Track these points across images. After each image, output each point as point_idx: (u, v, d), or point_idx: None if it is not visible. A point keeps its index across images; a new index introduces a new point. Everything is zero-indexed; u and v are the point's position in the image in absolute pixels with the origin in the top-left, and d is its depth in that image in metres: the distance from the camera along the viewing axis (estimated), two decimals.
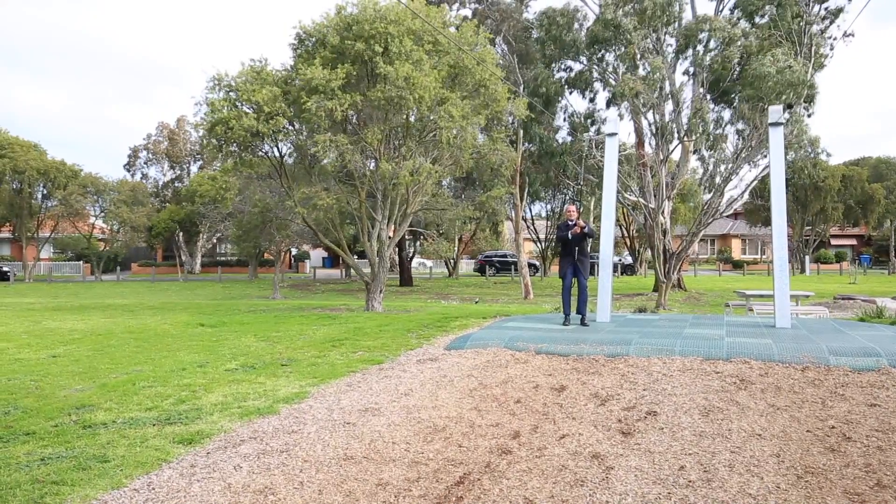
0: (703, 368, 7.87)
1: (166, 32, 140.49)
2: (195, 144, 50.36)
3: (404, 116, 14.51)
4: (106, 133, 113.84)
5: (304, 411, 6.73)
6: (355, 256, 50.77)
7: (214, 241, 50.96)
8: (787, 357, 8.05)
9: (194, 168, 50.75)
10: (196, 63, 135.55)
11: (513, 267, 43.66)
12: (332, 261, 65.90)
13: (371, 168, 15.35)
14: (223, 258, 54.51)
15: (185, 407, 7.08)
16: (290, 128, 15.30)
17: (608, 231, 12.02)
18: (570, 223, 10.87)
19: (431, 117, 14.21)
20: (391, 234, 17.26)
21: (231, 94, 14.82)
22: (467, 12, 29.17)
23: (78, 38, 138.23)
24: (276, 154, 16.22)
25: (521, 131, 24.69)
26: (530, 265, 45.85)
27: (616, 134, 12.62)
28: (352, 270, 44.52)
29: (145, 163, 51.68)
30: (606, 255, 11.99)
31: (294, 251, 54.71)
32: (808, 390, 6.94)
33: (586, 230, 10.73)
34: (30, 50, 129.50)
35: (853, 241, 67.35)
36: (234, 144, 14.90)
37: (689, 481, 4.69)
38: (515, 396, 7.09)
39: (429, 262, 59.21)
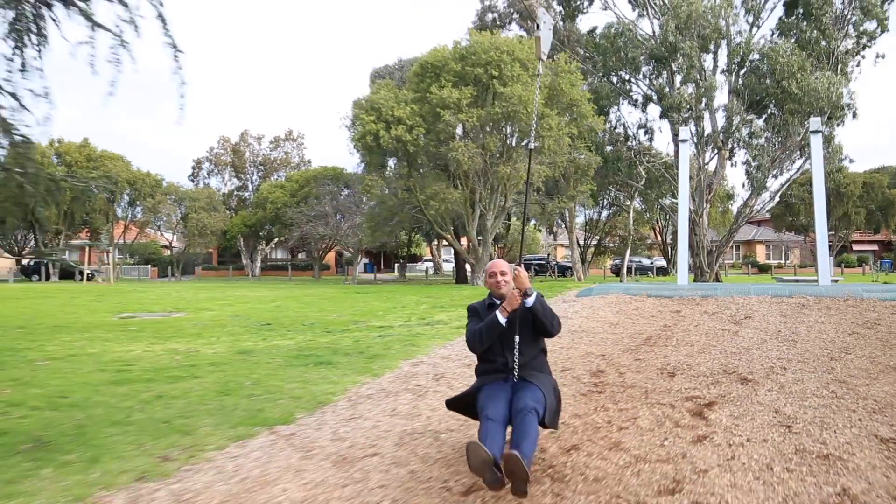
0: (774, 300, 11.25)
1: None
2: (257, 156, 54.49)
3: (515, 128, 18.11)
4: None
5: None
6: (400, 261, 54.30)
7: (273, 245, 54.78)
8: (833, 294, 11.40)
9: (256, 178, 54.71)
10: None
11: (554, 268, 46.67)
12: (372, 266, 69.42)
13: (480, 167, 18.89)
14: (277, 262, 58.40)
15: (428, 320, 10.57)
16: (425, 138, 18.96)
17: (684, 219, 15.43)
18: (495, 301, 4.01)
19: (534, 128, 17.74)
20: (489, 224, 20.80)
21: (372, 109, 18.47)
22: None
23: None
24: (407, 158, 19.84)
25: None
26: (565, 268, 48.48)
27: (687, 140, 16.07)
28: (406, 272, 47.87)
29: (208, 174, 55.84)
30: (684, 232, 15.41)
31: (345, 255, 58.11)
32: (849, 309, 10.30)
33: (530, 299, 3.81)
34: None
35: (875, 247, 69.79)
36: (379, 151, 18.54)
37: (785, 335, 8.10)
38: (649, 314, 10.51)
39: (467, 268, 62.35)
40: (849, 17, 25.29)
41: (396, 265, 55.31)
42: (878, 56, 27.81)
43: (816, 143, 14.76)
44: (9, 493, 3.47)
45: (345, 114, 18.26)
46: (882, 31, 27.36)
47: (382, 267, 66.49)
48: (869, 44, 26.56)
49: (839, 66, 26.73)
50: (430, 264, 50.31)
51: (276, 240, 53.19)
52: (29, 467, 3.86)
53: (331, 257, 57.32)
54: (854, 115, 26.33)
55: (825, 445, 4.12)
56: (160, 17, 4.93)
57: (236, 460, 4.04)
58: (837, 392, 5.45)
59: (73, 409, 5.27)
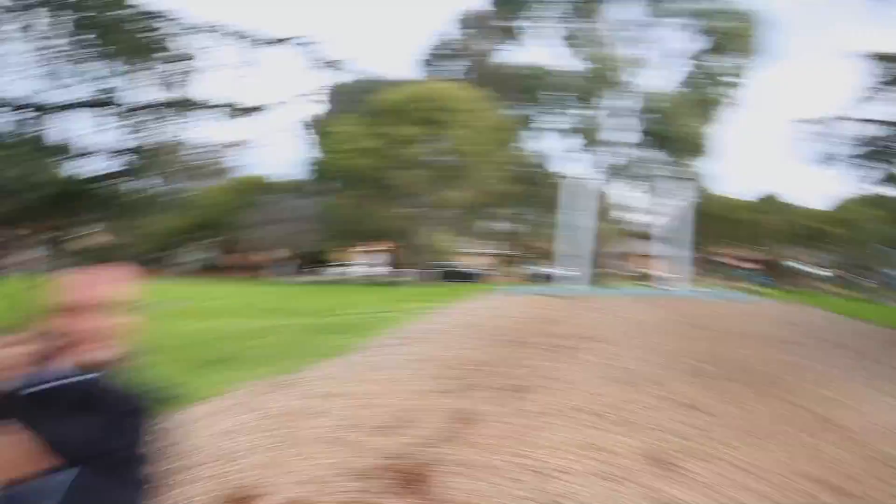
0: (620, 296, 15.98)
1: None
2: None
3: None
4: None
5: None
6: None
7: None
8: (658, 295, 16.27)
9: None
10: None
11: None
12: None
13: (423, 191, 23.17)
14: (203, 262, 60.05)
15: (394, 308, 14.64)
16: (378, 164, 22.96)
17: (573, 236, 20.08)
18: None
19: None
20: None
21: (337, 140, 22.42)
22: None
23: None
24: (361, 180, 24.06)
25: None
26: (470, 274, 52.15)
27: (567, 178, 20.74)
28: (321, 275, 50.71)
29: None
30: (573, 247, 20.06)
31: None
32: (666, 300, 15.13)
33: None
34: None
35: (755, 265, 77.63)
36: (337, 173, 22.63)
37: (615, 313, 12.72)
38: (541, 306, 14.98)
39: None
40: (704, 82, 31.51)
41: (308, 269, 57.13)
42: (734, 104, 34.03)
43: (685, 184, 19.83)
44: None
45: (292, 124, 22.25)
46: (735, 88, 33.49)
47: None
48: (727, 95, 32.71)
49: (706, 113, 32.78)
50: (345, 268, 52.86)
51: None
52: None
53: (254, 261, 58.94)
54: (717, 155, 32.47)
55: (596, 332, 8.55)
56: None
57: None
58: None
59: None
